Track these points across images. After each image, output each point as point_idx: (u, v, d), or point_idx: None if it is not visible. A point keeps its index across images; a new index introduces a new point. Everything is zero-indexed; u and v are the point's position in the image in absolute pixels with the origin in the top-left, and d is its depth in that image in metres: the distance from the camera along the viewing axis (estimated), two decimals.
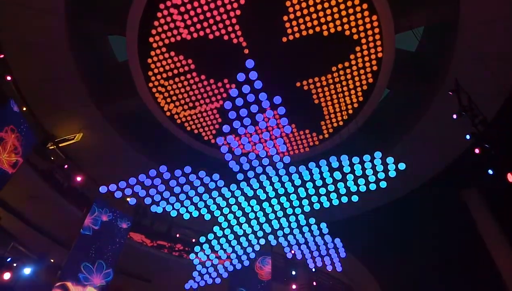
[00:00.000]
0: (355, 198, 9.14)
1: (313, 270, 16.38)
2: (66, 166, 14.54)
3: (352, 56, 12.76)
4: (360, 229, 17.26)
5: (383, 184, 8.94)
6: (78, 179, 14.57)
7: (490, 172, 9.28)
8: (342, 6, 11.64)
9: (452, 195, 16.02)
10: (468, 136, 9.45)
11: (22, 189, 12.81)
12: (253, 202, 8.80)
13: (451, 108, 9.97)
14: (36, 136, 12.54)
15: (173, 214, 9.05)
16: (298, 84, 13.75)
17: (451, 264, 16.72)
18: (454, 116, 9.61)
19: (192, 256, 9.43)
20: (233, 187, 8.66)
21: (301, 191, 8.89)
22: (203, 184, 8.62)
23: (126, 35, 12.55)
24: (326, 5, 11.65)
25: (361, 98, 13.98)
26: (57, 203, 13.69)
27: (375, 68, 12.98)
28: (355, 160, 8.42)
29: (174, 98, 14.39)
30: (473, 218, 15.52)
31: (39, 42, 12.76)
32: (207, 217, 8.97)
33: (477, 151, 9.39)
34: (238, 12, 11.94)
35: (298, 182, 8.82)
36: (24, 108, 12.85)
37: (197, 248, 9.31)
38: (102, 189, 8.56)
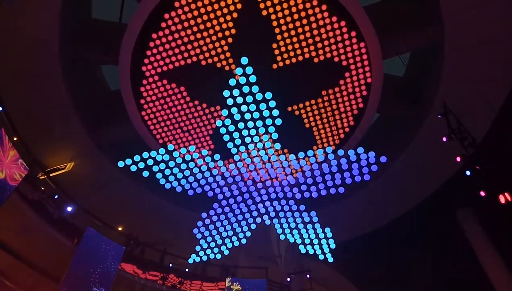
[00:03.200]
0: (341, 190, 9.84)
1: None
2: (56, 196, 14.29)
3: (341, 82, 13.01)
4: (354, 252, 17.09)
5: (367, 177, 9.58)
6: (69, 209, 14.29)
7: (482, 193, 9.33)
8: (330, 34, 11.97)
9: (447, 216, 16.06)
10: (458, 159, 9.58)
11: (10, 220, 12.52)
12: (249, 182, 9.59)
13: (441, 131, 10.14)
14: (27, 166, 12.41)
15: (179, 189, 10.08)
16: (289, 109, 13.91)
17: (446, 284, 16.54)
18: (444, 139, 9.77)
19: (195, 230, 10.05)
20: (232, 166, 9.37)
21: (290, 178, 9.83)
22: (206, 163, 9.72)
23: (119, 64, 12.69)
24: (315, 32, 11.98)
25: (352, 123, 14.15)
26: (47, 234, 13.34)
27: (364, 93, 13.23)
28: (340, 152, 9.04)
29: (168, 123, 14.40)
30: (467, 238, 15.52)
31: (32, 71, 12.87)
32: (210, 194, 9.99)
33: (468, 172, 9.49)
34: (229, 40, 12.20)
35: (288, 170, 9.82)
36: (15, 138, 12.73)
37: (199, 223, 9.91)
38: (120, 164, 9.59)
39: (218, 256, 10.60)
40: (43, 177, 14.44)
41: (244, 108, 8.88)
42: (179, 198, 16.91)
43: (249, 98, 8.82)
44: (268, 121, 9.04)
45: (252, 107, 8.87)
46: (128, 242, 16.28)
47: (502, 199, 8.62)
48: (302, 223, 10.12)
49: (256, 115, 9.01)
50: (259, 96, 8.79)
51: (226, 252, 10.57)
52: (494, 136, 12.85)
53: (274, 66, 12.65)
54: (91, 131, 14.64)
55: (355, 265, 17.53)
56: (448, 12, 11.34)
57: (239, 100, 8.85)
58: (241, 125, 9.06)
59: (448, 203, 15.49)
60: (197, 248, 10.44)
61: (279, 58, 12.50)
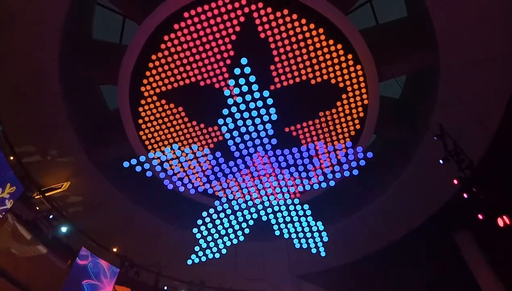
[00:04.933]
0: (332, 183, 11.23)
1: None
2: (51, 216, 14.13)
3: (338, 103, 13.11)
4: (352, 276, 16.84)
5: (355, 172, 11.03)
6: (64, 229, 14.12)
7: (480, 216, 9.29)
8: (327, 56, 12.14)
9: (444, 239, 15.89)
10: (455, 181, 9.58)
11: (3, 240, 12.34)
12: (247, 178, 10.44)
13: (438, 153, 10.18)
14: (22, 186, 12.36)
15: (181, 189, 11.11)
16: (286, 129, 13.94)
17: None
18: (441, 161, 9.81)
19: (194, 230, 10.62)
20: (231, 163, 10.12)
21: (286, 172, 11.36)
22: (208, 161, 10.24)
23: (118, 85, 12.78)
24: (312, 54, 12.14)
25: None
26: (40, 255, 13.13)
27: (361, 114, 13.30)
28: (330, 148, 9.80)
29: (165, 143, 14.38)
30: (465, 261, 15.33)
31: (30, 90, 12.91)
32: (210, 191, 10.43)
33: (465, 195, 9.48)
34: (228, 61, 12.35)
35: (283, 164, 11.36)
36: (12, 158, 12.69)
37: (199, 222, 10.47)
38: (125, 164, 9.91)
39: (217, 256, 11.15)
40: (38, 196, 14.32)
41: (242, 107, 9.65)
42: (176, 218, 16.78)
43: (248, 97, 9.55)
44: (266, 116, 9.82)
45: (252, 105, 9.59)
46: (123, 264, 16.02)
47: (500, 222, 8.57)
48: (296, 216, 10.82)
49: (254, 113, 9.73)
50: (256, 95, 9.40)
51: (224, 251, 11.15)
52: (491, 159, 12.86)
53: (272, 87, 12.76)
54: (88, 150, 14.60)
55: (353, 289, 17.21)
56: (442, 35, 11.55)
57: (239, 99, 9.52)
58: (240, 122, 9.85)
59: (446, 226, 15.36)
60: (196, 248, 10.90)
61: (276, 79, 12.62)
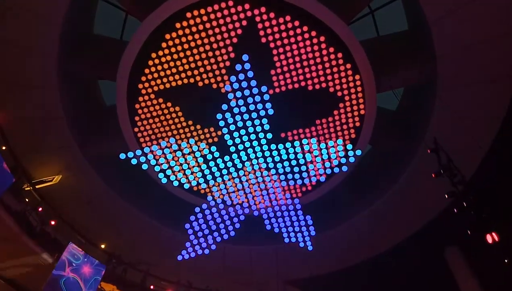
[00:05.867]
0: (322, 179, 11.59)
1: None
2: (40, 209, 13.99)
3: (335, 112, 13.17)
4: (338, 285, 16.85)
5: (345, 168, 11.52)
6: (52, 222, 13.98)
7: (469, 232, 9.35)
8: (327, 65, 12.22)
9: (433, 253, 15.96)
10: (446, 196, 9.63)
11: None
12: (241, 172, 10.85)
13: (431, 167, 10.24)
14: (14, 176, 12.24)
15: (175, 184, 11.93)
16: (283, 135, 13.97)
17: None
18: (433, 175, 9.86)
19: (187, 226, 10.97)
20: (227, 158, 10.53)
21: (279, 166, 11.75)
22: (203, 155, 10.55)
23: (117, 80, 12.72)
24: (311, 62, 12.21)
25: (344, 152, 14.22)
26: (27, 247, 12.97)
27: (357, 124, 13.38)
28: (322, 145, 10.22)
29: (160, 142, 14.32)
30: (453, 277, 15.40)
31: (28, 82, 12.82)
32: (204, 185, 10.71)
33: (455, 210, 9.53)
34: (227, 63, 12.36)
35: (277, 158, 11.79)
36: (4, 147, 12.57)
37: (192, 218, 10.84)
38: (121, 156, 10.99)
39: (207, 252, 11.47)
40: (28, 188, 14.18)
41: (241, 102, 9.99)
42: (166, 218, 16.70)
43: (247, 92, 9.81)
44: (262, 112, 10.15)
45: (250, 99, 9.95)
46: (110, 261, 15.89)
47: (489, 238, 8.63)
48: (286, 211, 11.19)
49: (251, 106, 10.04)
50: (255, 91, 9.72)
51: (213, 247, 11.48)
52: (483, 174, 12.98)
53: (271, 91, 12.77)
54: (82, 145, 14.49)
55: None
56: (441, 51, 11.67)
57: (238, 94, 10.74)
58: (238, 117, 10.12)
59: (436, 239, 15.43)
60: (187, 244, 11.21)
61: (276, 84, 12.65)
